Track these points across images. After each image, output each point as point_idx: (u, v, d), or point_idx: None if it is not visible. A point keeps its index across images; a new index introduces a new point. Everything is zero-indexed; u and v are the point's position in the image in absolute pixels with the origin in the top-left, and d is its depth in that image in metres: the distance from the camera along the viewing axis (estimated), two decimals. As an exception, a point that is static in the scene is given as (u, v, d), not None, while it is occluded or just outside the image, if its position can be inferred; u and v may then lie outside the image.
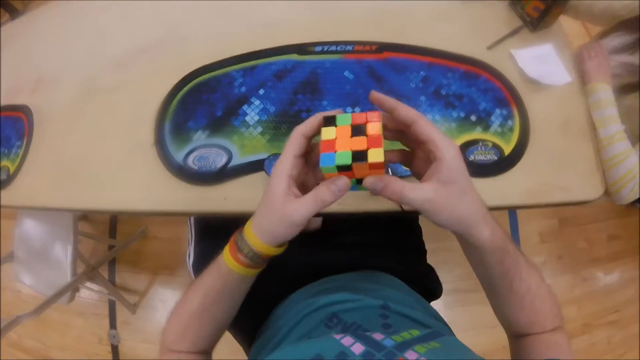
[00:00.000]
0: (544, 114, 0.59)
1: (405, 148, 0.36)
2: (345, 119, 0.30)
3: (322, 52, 0.60)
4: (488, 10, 0.68)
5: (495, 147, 0.56)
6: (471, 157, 0.55)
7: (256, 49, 0.62)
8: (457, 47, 0.63)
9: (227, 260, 0.35)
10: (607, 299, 1.26)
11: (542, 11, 0.61)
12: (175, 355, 0.39)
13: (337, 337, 0.33)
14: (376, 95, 0.32)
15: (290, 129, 0.55)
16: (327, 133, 0.30)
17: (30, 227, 1.05)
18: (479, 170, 0.54)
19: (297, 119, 0.56)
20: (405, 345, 0.31)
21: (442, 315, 0.48)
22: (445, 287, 0.68)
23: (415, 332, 0.34)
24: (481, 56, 0.63)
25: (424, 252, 0.68)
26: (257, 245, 0.33)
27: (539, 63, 0.62)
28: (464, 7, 0.67)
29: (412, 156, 0.35)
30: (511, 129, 0.57)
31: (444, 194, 0.29)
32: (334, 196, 0.30)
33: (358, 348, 0.31)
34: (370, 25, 0.64)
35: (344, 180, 0.30)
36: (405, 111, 0.30)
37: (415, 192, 0.29)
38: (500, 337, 0.42)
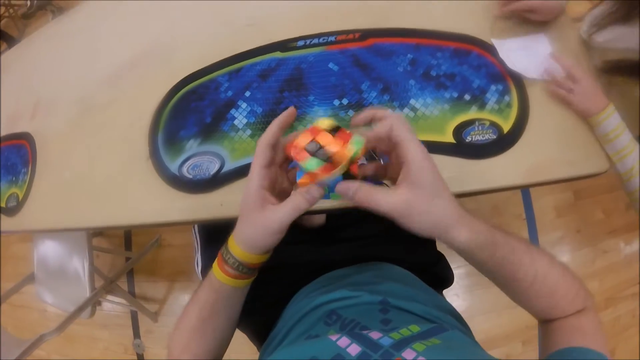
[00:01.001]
0: (543, 85, 0.56)
1: (378, 161, 0.38)
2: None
3: (304, 47, 0.59)
4: None
5: (493, 125, 0.54)
6: (468, 139, 0.53)
7: (242, 50, 0.61)
8: (444, 24, 0.60)
9: (216, 273, 0.36)
10: (629, 270, 1.22)
11: None
12: None
13: (333, 338, 0.32)
14: (356, 120, 0.34)
15: (279, 128, 0.55)
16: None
17: (48, 248, 1.09)
18: (477, 151, 0.52)
19: (285, 118, 0.55)
20: (403, 344, 0.30)
21: (461, 299, 0.48)
22: (461, 270, 0.66)
23: (415, 328, 0.33)
24: (470, 31, 0.60)
25: (433, 239, 0.67)
26: (241, 256, 0.34)
27: (526, 55, 0.56)
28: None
29: (386, 167, 0.36)
30: (509, 105, 0.55)
31: (414, 198, 0.29)
32: (309, 204, 0.31)
33: (354, 349, 0.30)
34: (353, 13, 0.62)
35: (317, 190, 0.31)
36: (382, 116, 0.32)
37: (384, 197, 0.29)
38: (522, 317, 0.41)
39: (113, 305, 1.38)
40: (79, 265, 1.04)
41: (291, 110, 0.35)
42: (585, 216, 1.27)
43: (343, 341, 0.32)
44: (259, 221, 0.32)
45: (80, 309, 0.98)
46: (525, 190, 1.30)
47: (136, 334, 1.40)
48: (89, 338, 1.43)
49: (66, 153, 0.68)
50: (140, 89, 0.66)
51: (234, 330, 0.44)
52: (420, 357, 0.28)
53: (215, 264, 0.36)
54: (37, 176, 0.70)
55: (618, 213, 1.27)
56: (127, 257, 1.42)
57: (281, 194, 0.35)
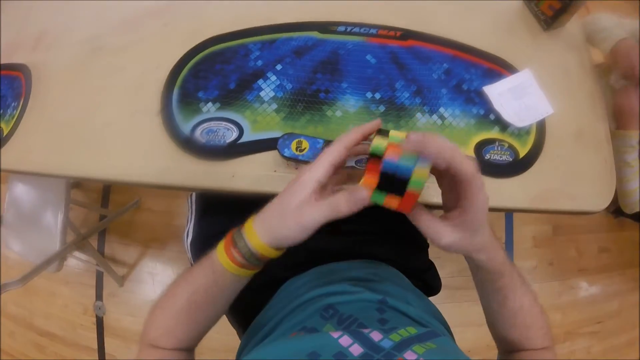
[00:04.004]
0: (560, 120, 0.58)
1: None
2: (397, 137, 0.30)
3: (344, 33, 0.57)
4: (503, 7, 0.66)
5: (511, 148, 0.55)
6: (487, 156, 0.54)
7: (276, 22, 0.59)
8: (479, 42, 0.61)
9: (221, 258, 0.33)
10: (591, 309, 1.30)
11: (557, 10, 0.59)
12: (158, 352, 0.37)
13: (335, 335, 0.32)
14: (417, 138, 0.27)
15: (306, 108, 0.54)
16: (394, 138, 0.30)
17: (22, 192, 1.01)
18: (493, 170, 0.54)
19: (315, 99, 0.54)
20: (404, 345, 0.31)
21: (433, 309, 0.49)
22: (437, 283, 0.68)
23: (413, 330, 0.34)
24: (503, 53, 0.61)
25: (426, 246, 0.68)
26: (257, 245, 0.32)
27: (515, 97, 0.57)
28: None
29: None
30: (528, 132, 0.57)
31: (459, 237, 0.30)
32: (349, 208, 0.29)
33: (356, 349, 0.30)
34: (395, 10, 0.62)
35: (363, 193, 0.29)
36: (464, 168, 0.27)
37: (432, 228, 0.30)
38: (486, 335, 0.43)
39: (79, 262, 1.31)
40: (53, 216, 0.98)
41: (377, 121, 0.33)
42: (560, 251, 1.34)
43: (345, 340, 0.31)
44: (295, 212, 0.30)
45: (47, 262, 0.92)
46: (509, 215, 1.35)
47: (99, 295, 1.34)
48: (49, 292, 1.36)
49: (65, 92, 0.63)
50: (161, 39, 0.62)
51: (219, 319, 0.41)
52: (421, 359, 0.29)
53: (221, 247, 0.34)
54: (28, 113, 0.64)
55: (590, 255, 1.34)
56: (102, 215, 1.36)
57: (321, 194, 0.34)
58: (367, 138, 0.32)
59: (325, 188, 0.33)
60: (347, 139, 0.31)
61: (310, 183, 0.30)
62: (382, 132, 0.30)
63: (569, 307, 1.29)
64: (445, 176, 0.34)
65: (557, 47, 0.63)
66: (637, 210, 0.63)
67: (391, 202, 0.30)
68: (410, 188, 0.28)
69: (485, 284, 0.37)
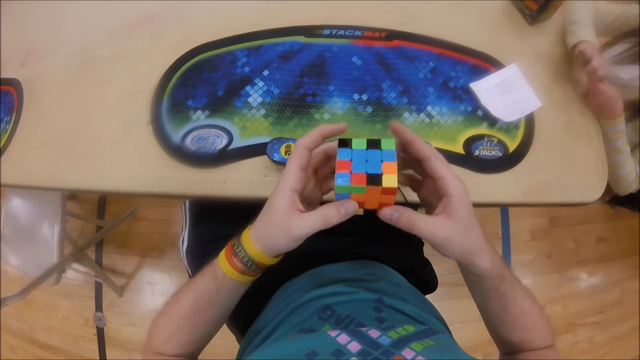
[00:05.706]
0: (549, 113, 0.59)
1: (416, 175, 0.37)
2: (360, 143, 0.31)
3: (330, 36, 0.58)
4: (488, 3, 0.66)
5: (501, 143, 0.55)
6: (476, 152, 0.54)
7: (262, 28, 0.59)
8: (465, 39, 0.61)
9: (222, 264, 0.35)
10: (592, 299, 1.30)
11: (542, 4, 0.60)
12: (161, 358, 0.38)
13: (332, 334, 0.32)
14: (397, 125, 0.33)
15: (294, 112, 0.54)
16: (343, 154, 0.30)
17: (18, 206, 1.01)
18: (483, 165, 0.54)
19: (303, 103, 0.54)
20: (401, 343, 0.31)
21: (431, 308, 0.49)
22: (433, 281, 0.68)
23: (410, 328, 0.34)
24: (489, 50, 0.61)
25: (421, 244, 0.68)
26: (254, 253, 0.33)
27: (502, 92, 0.58)
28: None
29: (421, 182, 0.37)
30: (517, 126, 0.57)
31: (454, 232, 0.30)
32: (341, 219, 0.30)
33: (354, 346, 0.30)
34: (380, 11, 0.62)
35: (353, 205, 0.30)
36: (421, 147, 0.31)
37: (426, 225, 0.30)
38: (485, 332, 0.43)
39: (77, 274, 1.31)
40: (49, 228, 0.98)
41: (342, 126, 0.33)
42: (557, 243, 1.34)
43: (342, 338, 0.32)
44: (283, 225, 0.30)
45: (46, 275, 0.92)
46: (504, 209, 1.35)
47: (99, 306, 1.34)
48: (49, 306, 1.35)
49: (56, 106, 0.64)
50: (148, 50, 0.62)
51: (220, 326, 0.42)
52: (419, 357, 0.29)
53: (222, 255, 0.35)
54: (21, 127, 0.64)
55: (588, 245, 1.35)
56: (99, 226, 1.35)
57: (307, 203, 0.34)
58: (327, 138, 0.33)
59: (310, 199, 0.35)
60: (305, 141, 0.32)
61: (285, 193, 0.30)
62: (345, 142, 0.31)
63: (569, 298, 1.29)
64: (424, 184, 0.35)
65: (543, 40, 0.64)
66: (632, 191, 0.64)
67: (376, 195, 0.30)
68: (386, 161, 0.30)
69: (488, 292, 0.36)
